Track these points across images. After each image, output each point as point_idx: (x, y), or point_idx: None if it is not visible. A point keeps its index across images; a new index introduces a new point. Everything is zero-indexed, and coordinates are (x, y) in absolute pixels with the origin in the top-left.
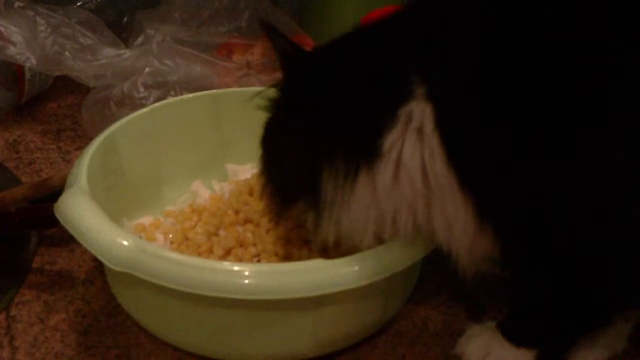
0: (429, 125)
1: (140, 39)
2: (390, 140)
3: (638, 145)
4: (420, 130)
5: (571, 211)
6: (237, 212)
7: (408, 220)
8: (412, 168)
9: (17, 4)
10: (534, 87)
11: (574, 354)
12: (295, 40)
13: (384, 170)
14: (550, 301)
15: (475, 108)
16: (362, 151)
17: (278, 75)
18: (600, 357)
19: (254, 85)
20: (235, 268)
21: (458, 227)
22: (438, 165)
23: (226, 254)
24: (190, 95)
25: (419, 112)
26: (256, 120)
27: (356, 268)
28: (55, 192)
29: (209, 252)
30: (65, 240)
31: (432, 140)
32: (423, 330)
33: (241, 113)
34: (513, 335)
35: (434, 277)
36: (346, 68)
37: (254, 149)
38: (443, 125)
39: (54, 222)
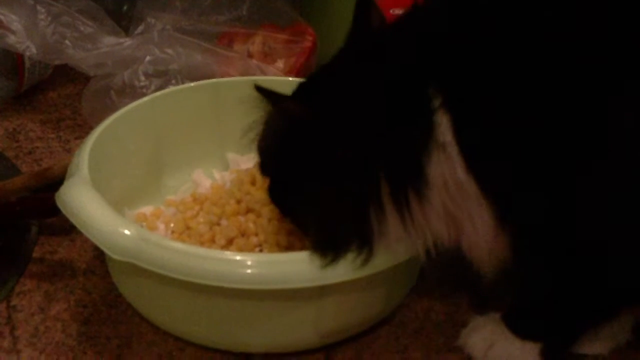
0: (448, 135)
1: (140, 28)
2: (432, 167)
3: None
4: (443, 141)
5: (584, 212)
6: (239, 202)
7: (446, 231)
8: (447, 181)
9: None
10: (547, 93)
11: (577, 346)
12: (295, 30)
13: (435, 194)
14: (558, 296)
15: (490, 115)
16: (409, 181)
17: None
18: (604, 348)
19: (255, 75)
20: (238, 258)
21: (482, 231)
22: (460, 172)
23: (228, 244)
24: (191, 84)
25: (439, 123)
26: (257, 110)
27: None
28: (55, 181)
29: (211, 242)
30: (66, 229)
31: (452, 150)
32: (426, 320)
33: (242, 102)
34: (518, 327)
35: (436, 267)
36: (363, 96)
37: (255, 138)
38: (460, 134)
39: (55, 211)
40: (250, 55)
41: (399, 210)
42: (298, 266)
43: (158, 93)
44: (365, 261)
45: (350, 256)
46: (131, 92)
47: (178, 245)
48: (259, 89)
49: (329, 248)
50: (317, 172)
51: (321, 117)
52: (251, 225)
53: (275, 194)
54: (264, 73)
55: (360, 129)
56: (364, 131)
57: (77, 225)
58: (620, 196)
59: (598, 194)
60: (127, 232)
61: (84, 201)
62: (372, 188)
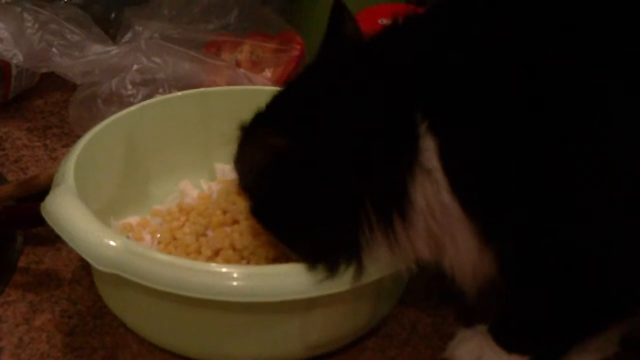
0: (434, 160)
1: (128, 36)
2: (416, 192)
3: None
4: (428, 166)
5: (567, 230)
6: (225, 212)
7: (428, 252)
8: (431, 205)
9: (4, 0)
10: (530, 115)
11: (565, 358)
12: (283, 38)
13: (419, 218)
14: (546, 311)
15: (476, 140)
16: (393, 205)
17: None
18: None
19: (242, 84)
20: (224, 270)
21: (465, 251)
22: (445, 195)
23: (214, 255)
24: (179, 93)
25: (425, 149)
26: (245, 119)
27: None
28: (41, 190)
29: (197, 253)
30: (52, 239)
31: (437, 174)
32: (412, 333)
33: (230, 111)
34: (505, 340)
35: (423, 279)
36: (347, 121)
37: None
38: (446, 159)
39: (40, 221)
40: (238, 64)
41: (384, 232)
42: (285, 279)
43: (145, 102)
44: (356, 276)
45: (340, 272)
46: (118, 101)
47: (164, 256)
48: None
49: (320, 267)
50: (303, 198)
51: (305, 146)
52: (237, 236)
53: (260, 215)
54: (251, 82)
55: (345, 155)
56: (349, 157)
57: (62, 236)
58: (610, 214)
59: (587, 212)
60: (112, 243)
61: (69, 212)
62: (360, 212)
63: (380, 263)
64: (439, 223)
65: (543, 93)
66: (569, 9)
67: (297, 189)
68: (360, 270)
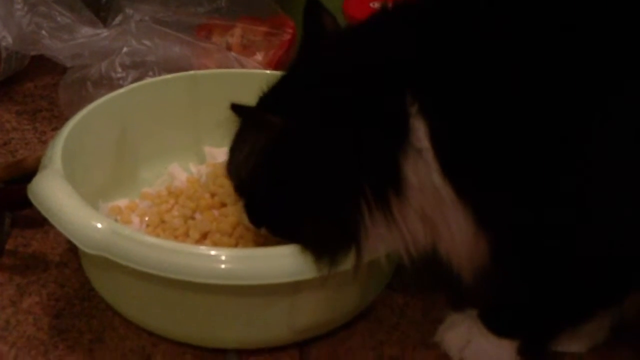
0: (425, 141)
1: (118, 19)
2: (408, 169)
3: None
4: (419, 146)
5: (560, 214)
6: (213, 195)
7: (423, 234)
8: (424, 185)
9: None
10: (522, 97)
11: (555, 344)
12: (275, 22)
13: (413, 196)
14: (536, 296)
15: (467, 122)
16: (388, 183)
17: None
18: (582, 346)
19: (233, 67)
20: (212, 252)
21: (459, 236)
22: (436, 178)
23: (202, 238)
24: (168, 76)
25: (416, 129)
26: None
27: None
28: (29, 173)
29: (185, 236)
30: (40, 221)
31: (428, 155)
32: (402, 317)
33: (220, 95)
34: (495, 325)
35: (413, 264)
36: (340, 104)
37: (232, 131)
38: (437, 140)
39: (27, 203)
40: (229, 48)
41: (381, 210)
42: (273, 262)
43: (134, 85)
44: (356, 261)
45: (342, 257)
46: (108, 84)
47: (151, 239)
48: (235, 108)
49: (323, 254)
50: (300, 181)
51: (300, 124)
52: (226, 219)
53: (256, 212)
54: (242, 66)
55: (339, 135)
56: (343, 137)
57: (49, 218)
58: (601, 197)
59: (580, 196)
60: (99, 225)
61: (55, 194)
62: (357, 191)
63: (378, 244)
64: (431, 205)
65: (535, 75)
66: None
67: (294, 171)
68: (359, 253)
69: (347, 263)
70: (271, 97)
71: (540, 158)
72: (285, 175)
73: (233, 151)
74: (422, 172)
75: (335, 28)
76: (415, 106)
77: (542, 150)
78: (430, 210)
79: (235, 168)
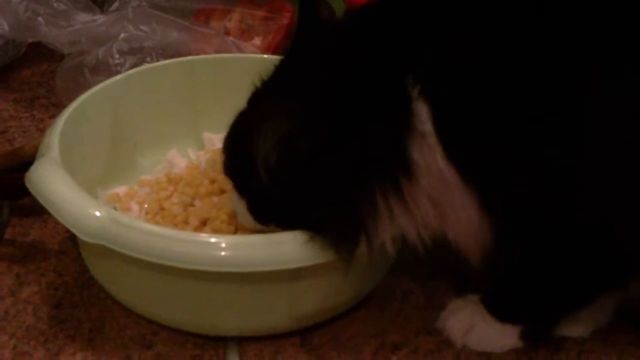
0: (427, 124)
1: (115, 4)
2: (415, 152)
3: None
4: (422, 129)
5: (567, 196)
6: (212, 182)
7: (433, 217)
8: (431, 171)
9: None
10: (524, 79)
11: (558, 328)
12: (273, 6)
13: (422, 177)
14: (539, 280)
15: (469, 104)
16: (396, 166)
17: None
18: (585, 330)
19: (231, 52)
20: (212, 240)
21: (465, 219)
22: (440, 161)
23: (202, 225)
24: (166, 61)
25: (418, 112)
26: (233, 88)
27: None
28: (27, 161)
29: (185, 223)
30: (38, 210)
31: (431, 138)
32: (404, 303)
33: (218, 80)
34: (498, 310)
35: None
36: (343, 88)
37: (231, 116)
38: (439, 122)
39: (25, 192)
40: (227, 32)
41: (394, 195)
42: (273, 248)
43: (132, 71)
44: (370, 247)
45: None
46: (105, 70)
47: (149, 227)
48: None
49: (343, 242)
50: (319, 171)
51: (317, 112)
52: (225, 206)
53: (265, 208)
54: (240, 50)
55: (347, 123)
56: (351, 124)
57: (47, 207)
58: (602, 181)
59: (581, 177)
60: (97, 213)
61: (53, 182)
62: (371, 178)
63: (393, 230)
64: (438, 188)
65: (538, 58)
66: None
67: (311, 160)
68: (372, 240)
69: (361, 250)
70: (276, 86)
71: (540, 137)
72: (303, 164)
73: (249, 143)
74: (428, 155)
75: (331, 17)
76: (417, 89)
77: (541, 129)
78: (437, 194)
79: (262, 160)
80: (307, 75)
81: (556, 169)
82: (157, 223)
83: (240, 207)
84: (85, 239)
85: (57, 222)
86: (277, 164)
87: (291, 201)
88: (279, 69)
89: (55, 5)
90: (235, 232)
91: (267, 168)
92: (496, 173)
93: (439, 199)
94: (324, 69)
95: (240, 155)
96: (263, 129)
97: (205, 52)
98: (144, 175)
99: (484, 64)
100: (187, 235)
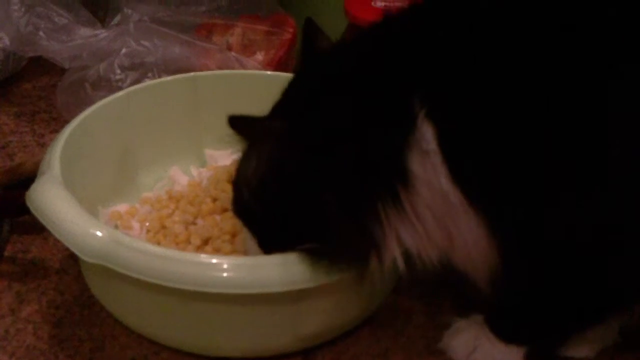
0: (432, 145)
1: (117, 19)
2: (413, 162)
3: None
4: (426, 149)
5: (575, 218)
6: (214, 200)
7: (441, 237)
8: (432, 186)
9: None
10: (531, 103)
11: (563, 348)
12: (275, 20)
13: (422, 191)
14: (546, 301)
15: (473, 126)
16: (396, 178)
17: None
18: (591, 351)
19: (234, 67)
20: (213, 261)
21: (472, 242)
22: (444, 182)
23: (204, 244)
24: (169, 78)
25: (423, 132)
26: (236, 104)
27: None
28: (28, 178)
29: (186, 242)
30: (39, 227)
31: (436, 158)
32: (407, 322)
33: (221, 96)
34: (502, 331)
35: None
36: (348, 105)
37: (234, 134)
38: (444, 144)
39: (25, 210)
40: (229, 47)
41: (392, 204)
42: (276, 270)
43: (134, 87)
44: (379, 263)
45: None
46: (106, 86)
47: (151, 247)
48: (233, 121)
49: (353, 258)
50: (314, 187)
51: (306, 129)
52: (227, 224)
53: (267, 235)
54: (243, 66)
55: (346, 137)
56: (348, 136)
57: (47, 226)
58: (613, 203)
59: (590, 202)
60: (98, 233)
61: (54, 201)
62: (369, 189)
63: (398, 243)
64: (441, 209)
65: (544, 81)
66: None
67: (303, 177)
68: (381, 255)
69: (373, 266)
70: (274, 108)
71: (550, 162)
72: (294, 182)
73: (239, 169)
74: (430, 172)
75: (329, 46)
76: (424, 110)
77: (551, 154)
78: (441, 213)
79: (244, 184)
80: (300, 95)
81: (565, 192)
82: (159, 242)
83: (251, 246)
84: (86, 259)
85: (57, 240)
86: (260, 188)
87: (291, 223)
88: (280, 94)
89: (56, 19)
90: (238, 251)
91: (252, 191)
92: (503, 196)
93: (443, 219)
94: (321, 88)
95: (236, 188)
96: (244, 158)
97: (208, 68)
98: (146, 192)
99: (491, 90)
100: (189, 256)
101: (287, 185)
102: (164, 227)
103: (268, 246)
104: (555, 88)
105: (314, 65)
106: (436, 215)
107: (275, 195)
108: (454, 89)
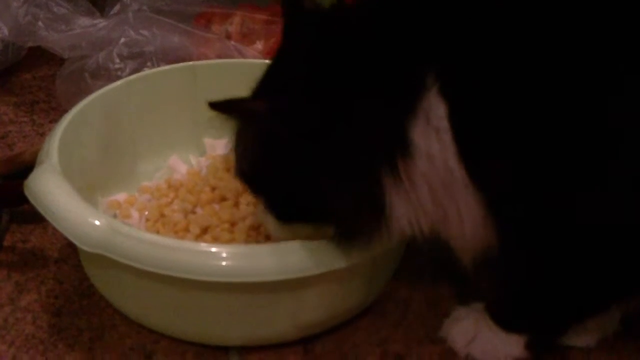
0: (443, 122)
1: (116, 8)
2: (415, 133)
3: None
4: (436, 125)
5: (579, 206)
6: (213, 189)
7: (434, 210)
8: (433, 160)
9: None
10: (542, 86)
11: (564, 337)
12: (275, 9)
13: (422, 164)
14: (546, 289)
15: (486, 108)
16: (396, 148)
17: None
18: (592, 340)
19: (233, 56)
20: (213, 249)
21: (468, 220)
22: (451, 159)
23: (202, 233)
24: (167, 67)
25: (434, 107)
26: (235, 93)
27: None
28: (27, 167)
29: (185, 231)
30: (38, 217)
31: (446, 135)
32: (407, 311)
33: (220, 85)
34: (503, 319)
35: (417, 254)
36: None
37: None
38: (456, 122)
39: (24, 199)
40: (228, 36)
41: (390, 174)
42: (275, 258)
43: (133, 76)
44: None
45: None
46: (106, 75)
47: (150, 236)
48: (214, 106)
49: (355, 236)
50: (317, 162)
51: (290, 105)
52: (226, 214)
53: (279, 206)
54: (242, 55)
55: (344, 108)
56: (341, 105)
57: (46, 216)
58: (618, 191)
59: (596, 188)
60: (97, 222)
61: (52, 190)
62: (369, 158)
63: (401, 215)
64: (441, 185)
65: (561, 63)
66: None
67: (296, 151)
68: (389, 227)
69: (381, 243)
70: (259, 86)
71: (560, 146)
72: (287, 157)
73: (234, 151)
74: (435, 147)
75: (316, 10)
76: (437, 86)
77: (562, 138)
78: (438, 188)
79: (239, 166)
80: (292, 67)
81: (573, 173)
82: (158, 231)
83: (262, 213)
84: (85, 248)
85: (57, 229)
86: (253, 169)
87: (292, 198)
88: (267, 69)
89: (55, 9)
90: (236, 240)
91: (246, 175)
92: (508, 177)
93: (440, 192)
94: (314, 57)
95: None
96: (235, 139)
97: (207, 57)
98: (145, 181)
99: (507, 70)
100: (188, 244)
101: (279, 166)
102: (163, 215)
103: (279, 215)
104: (573, 75)
105: (303, 30)
106: (432, 187)
107: (269, 177)
108: (471, 69)
